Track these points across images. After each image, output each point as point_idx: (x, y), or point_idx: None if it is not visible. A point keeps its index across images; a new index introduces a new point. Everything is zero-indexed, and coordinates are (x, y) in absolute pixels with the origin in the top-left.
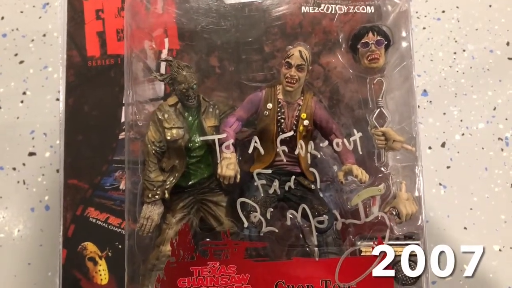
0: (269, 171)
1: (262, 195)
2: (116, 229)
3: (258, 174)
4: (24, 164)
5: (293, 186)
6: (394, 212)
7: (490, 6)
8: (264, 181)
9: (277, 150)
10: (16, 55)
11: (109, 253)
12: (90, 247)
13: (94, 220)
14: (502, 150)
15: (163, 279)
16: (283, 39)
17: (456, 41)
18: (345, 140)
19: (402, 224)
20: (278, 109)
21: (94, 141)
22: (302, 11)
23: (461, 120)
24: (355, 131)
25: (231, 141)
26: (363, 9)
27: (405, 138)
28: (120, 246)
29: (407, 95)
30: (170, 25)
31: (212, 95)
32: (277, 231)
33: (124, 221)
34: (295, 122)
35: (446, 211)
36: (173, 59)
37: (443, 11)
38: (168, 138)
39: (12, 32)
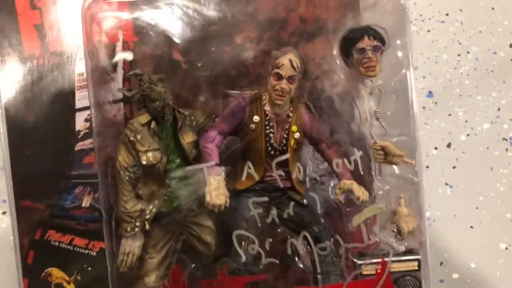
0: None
1: (259, 225)
2: (83, 250)
3: (246, 191)
4: None
5: (292, 213)
6: (395, 230)
7: (493, 8)
8: (260, 210)
9: (266, 166)
10: None
11: (78, 277)
12: (56, 273)
13: (56, 243)
14: (506, 150)
15: None
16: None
17: (460, 43)
18: (345, 160)
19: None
20: (266, 123)
21: (46, 155)
22: None
23: (466, 121)
24: (355, 150)
25: (216, 163)
26: None
27: (405, 151)
28: (89, 269)
29: (406, 105)
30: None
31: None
32: (277, 262)
33: (91, 241)
34: (285, 136)
35: (453, 211)
36: (143, 73)
37: (447, 14)
38: (144, 163)
39: None
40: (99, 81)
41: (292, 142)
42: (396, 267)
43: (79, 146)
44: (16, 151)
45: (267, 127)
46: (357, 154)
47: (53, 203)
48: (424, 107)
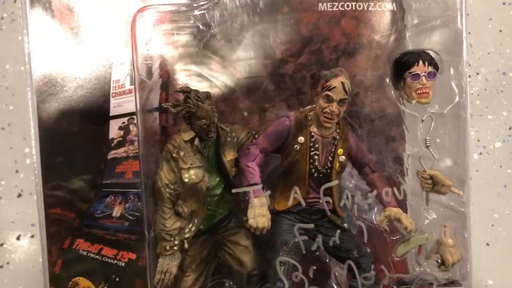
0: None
1: (304, 252)
2: (112, 260)
3: (285, 212)
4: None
5: (338, 241)
6: (439, 260)
7: (500, 31)
8: (306, 237)
9: (309, 188)
10: None
11: (105, 287)
12: (83, 283)
13: (85, 253)
14: None
15: None
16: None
17: (469, 65)
18: (395, 189)
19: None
20: (311, 144)
21: (78, 162)
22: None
23: (478, 140)
24: (404, 180)
25: (261, 185)
26: (384, 6)
27: (454, 181)
28: (117, 279)
29: (458, 135)
30: None
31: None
32: None
33: (120, 251)
34: (330, 159)
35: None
36: (191, 90)
37: None
38: (186, 180)
39: None
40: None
41: (337, 165)
42: None
43: (112, 154)
44: (48, 158)
45: (312, 149)
46: (406, 184)
47: (84, 211)
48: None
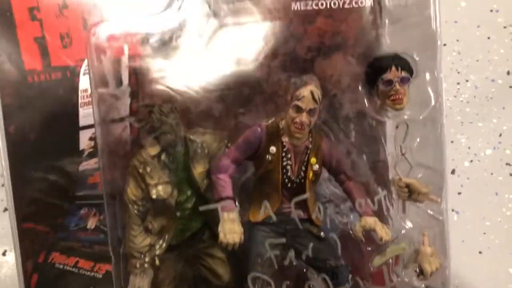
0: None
1: (276, 267)
2: (89, 273)
3: (260, 223)
4: None
5: (311, 254)
6: (417, 270)
7: (488, 38)
8: (277, 252)
9: (282, 198)
10: None
11: None
12: None
13: (61, 266)
14: (510, 175)
15: None
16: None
17: (458, 72)
18: (368, 201)
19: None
20: (283, 154)
21: (49, 175)
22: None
23: (469, 148)
24: (379, 189)
25: (230, 200)
26: (361, 2)
27: (432, 188)
28: None
29: (435, 140)
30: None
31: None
32: None
33: (97, 263)
34: (304, 168)
35: (460, 236)
36: (154, 105)
37: (445, 44)
38: (154, 197)
39: None
40: (104, 98)
41: (311, 174)
42: None
43: (83, 165)
44: (17, 171)
45: (284, 159)
46: (381, 194)
47: (57, 225)
48: None
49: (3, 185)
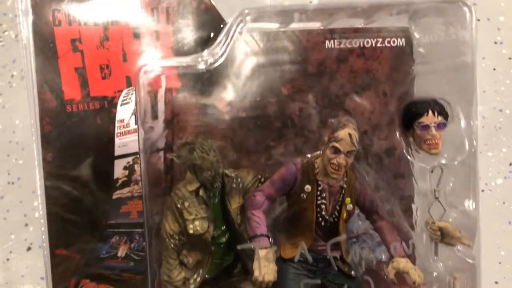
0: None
1: None
2: None
3: (291, 260)
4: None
5: None
6: None
7: (494, 69)
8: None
9: (315, 236)
10: None
11: None
12: None
13: None
14: None
15: None
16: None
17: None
18: (403, 243)
19: None
20: (318, 193)
21: (83, 203)
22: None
23: (480, 178)
24: (411, 231)
25: (267, 238)
26: (393, 42)
27: (464, 232)
28: None
29: (468, 185)
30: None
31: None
32: None
33: None
34: (338, 208)
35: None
36: (196, 141)
37: None
38: (191, 232)
39: None
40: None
41: (345, 214)
42: None
43: (117, 194)
44: (52, 199)
45: (319, 198)
46: (414, 238)
47: (88, 252)
48: None
49: (26, 224)
